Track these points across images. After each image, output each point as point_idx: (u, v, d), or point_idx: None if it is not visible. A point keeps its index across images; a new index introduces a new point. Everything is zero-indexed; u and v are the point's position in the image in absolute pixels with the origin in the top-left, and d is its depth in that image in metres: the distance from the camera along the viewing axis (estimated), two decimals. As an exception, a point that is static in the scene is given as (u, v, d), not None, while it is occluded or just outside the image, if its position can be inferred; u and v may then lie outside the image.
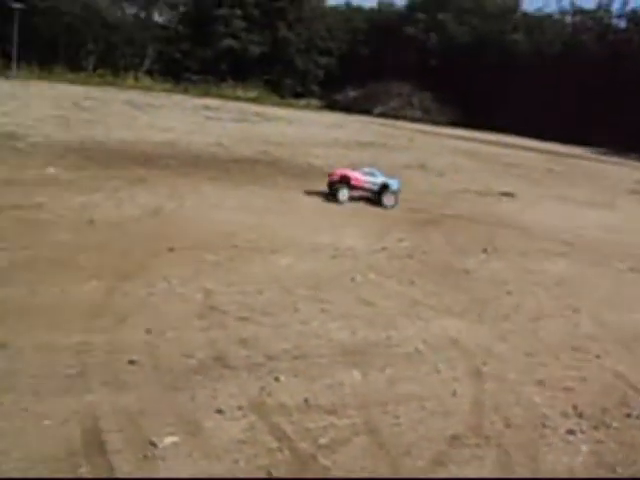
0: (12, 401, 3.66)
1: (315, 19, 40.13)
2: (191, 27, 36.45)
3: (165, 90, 31.38)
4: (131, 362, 4.26)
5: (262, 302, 5.61)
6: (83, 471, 3.22)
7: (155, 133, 15.40)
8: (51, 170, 9.82)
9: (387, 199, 10.76)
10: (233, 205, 9.07)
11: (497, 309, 6.24)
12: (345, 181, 10.64)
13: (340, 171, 10.95)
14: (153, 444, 3.47)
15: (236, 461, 3.47)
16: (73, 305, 5.04)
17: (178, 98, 27.62)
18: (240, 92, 34.68)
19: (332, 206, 10.06)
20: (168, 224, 7.68)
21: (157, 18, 38.33)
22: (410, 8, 40.69)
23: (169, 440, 3.52)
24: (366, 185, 10.85)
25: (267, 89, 36.92)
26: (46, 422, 3.52)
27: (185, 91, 32.19)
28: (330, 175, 10.88)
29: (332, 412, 4.04)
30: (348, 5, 44.23)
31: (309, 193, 10.63)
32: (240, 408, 3.92)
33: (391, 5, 42.96)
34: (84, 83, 29.23)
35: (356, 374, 4.57)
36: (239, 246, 7.18)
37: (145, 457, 3.38)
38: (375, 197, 10.77)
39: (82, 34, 34.49)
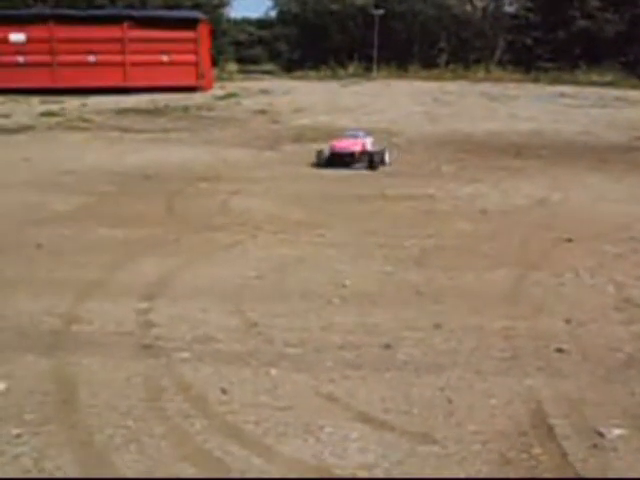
0: (458, 377, 3.90)
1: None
2: (542, 13, 35.54)
3: (515, 80, 31.01)
4: (558, 350, 4.27)
5: (681, 298, 5.24)
6: (537, 452, 3.29)
7: (518, 123, 15.35)
8: (443, 168, 10.27)
9: (388, 155, 10.28)
10: (619, 196, 8.64)
11: None
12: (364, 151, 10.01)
13: (347, 143, 10.09)
14: (600, 434, 3.43)
15: (692, 464, 3.27)
16: (488, 291, 5.24)
17: (530, 87, 27.13)
18: (595, 77, 32.81)
19: None
20: (557, 214, 7.61)
21: (507, 8, 38.15)
22: None
23: (616, 432, 3.45)
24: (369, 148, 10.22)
25: (624, 72, 34.38)
26: (492, 401, 3.69)
27: (536, 80, 31.45)
28: (338, 148, 9.91)
29: None
30: None
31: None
32: (686, 407, 3.70)
33: None
34: (437, 79, 30.19)
35: None
36: (637, 237, 6.80)
37: (595, 446, 3.35)
38: (375, 160, 9.96)
39: (434, 32, 35.74)
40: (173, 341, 4.30)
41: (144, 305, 4.87)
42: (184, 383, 3.80)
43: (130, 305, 4.86)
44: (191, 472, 3.07)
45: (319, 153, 10.19)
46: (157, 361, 4.04)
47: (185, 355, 4.11)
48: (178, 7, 29.19)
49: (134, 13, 22.79)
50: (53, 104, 17.62)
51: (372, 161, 9.95)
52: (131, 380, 3.83)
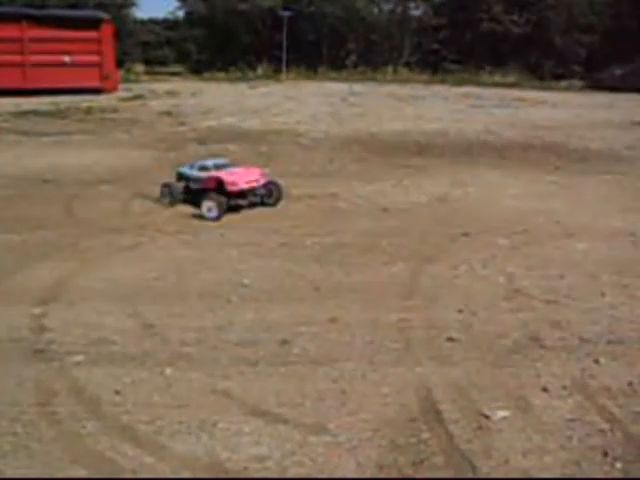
0: (351, 368, 4.00)
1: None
2: (448, 15, 36.47)
3: (422, 81, 31.67)
4: (450, 339, 4.44)
5: (566, 286, 5.52)
6: (425, 436, 3.42)
7: (423, 123, 15.72)
8: (347, 168, 10.41)
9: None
10: (516, 191, 8.99)
11: None
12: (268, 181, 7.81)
13: (243, 174, 7.57)
14: (486, 416, 3.59)
15: (569, 438, 3.46)
16: (385, 285, 5.38)
17: (437, 88, 27.76)
18: (498, 78, 33.96)
19: (615, 190, 9.47)
20: (456, 210, 7.86)
21: (413, 11, 38.92)
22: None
23: (501, 414, 3.62)
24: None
25: (525, 73, 35.71)
26: (384, 390, 3.80)
27: (442, 81, 32.25)
28: (241, 185, 7.39)
29: (660, 398, 3.88)
30: (613, -25, 41.21)
31: (591, 177, 10.18)
32: (565, 388, 3.91)
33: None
34: (346, 80, 30.49)
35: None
36: (530, 231, 7.12)
37: (480, 428, 3.50)
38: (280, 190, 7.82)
39: (343, 34, 36.11)
40: (67, 345, 4.22)
41: (38, 310, 4.76)
42: (77, 386, 3.74)
43: (23, 310, 4.75)
44: (82, 474, 3.04)
45: (170, 189, 7.68)
46: (49, 365, 3.97)
47: (79, 358, 4.05)
48: (80, 6, 28.39)
49: (33, 12, 21.94)
50: (-53, 107, 16.88)
51: (275, 190, 7.81)
52: (22, 385, 3.75)
